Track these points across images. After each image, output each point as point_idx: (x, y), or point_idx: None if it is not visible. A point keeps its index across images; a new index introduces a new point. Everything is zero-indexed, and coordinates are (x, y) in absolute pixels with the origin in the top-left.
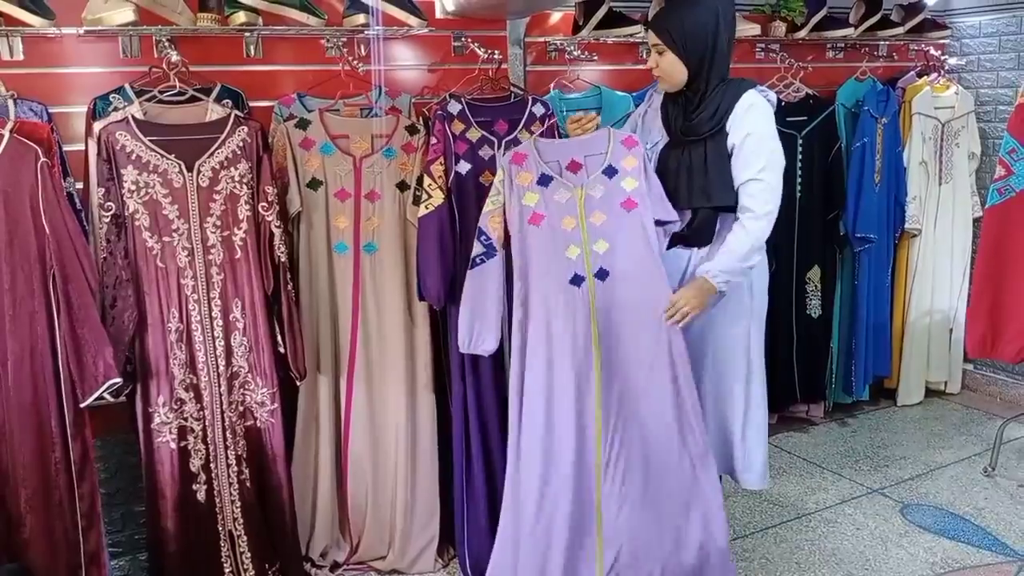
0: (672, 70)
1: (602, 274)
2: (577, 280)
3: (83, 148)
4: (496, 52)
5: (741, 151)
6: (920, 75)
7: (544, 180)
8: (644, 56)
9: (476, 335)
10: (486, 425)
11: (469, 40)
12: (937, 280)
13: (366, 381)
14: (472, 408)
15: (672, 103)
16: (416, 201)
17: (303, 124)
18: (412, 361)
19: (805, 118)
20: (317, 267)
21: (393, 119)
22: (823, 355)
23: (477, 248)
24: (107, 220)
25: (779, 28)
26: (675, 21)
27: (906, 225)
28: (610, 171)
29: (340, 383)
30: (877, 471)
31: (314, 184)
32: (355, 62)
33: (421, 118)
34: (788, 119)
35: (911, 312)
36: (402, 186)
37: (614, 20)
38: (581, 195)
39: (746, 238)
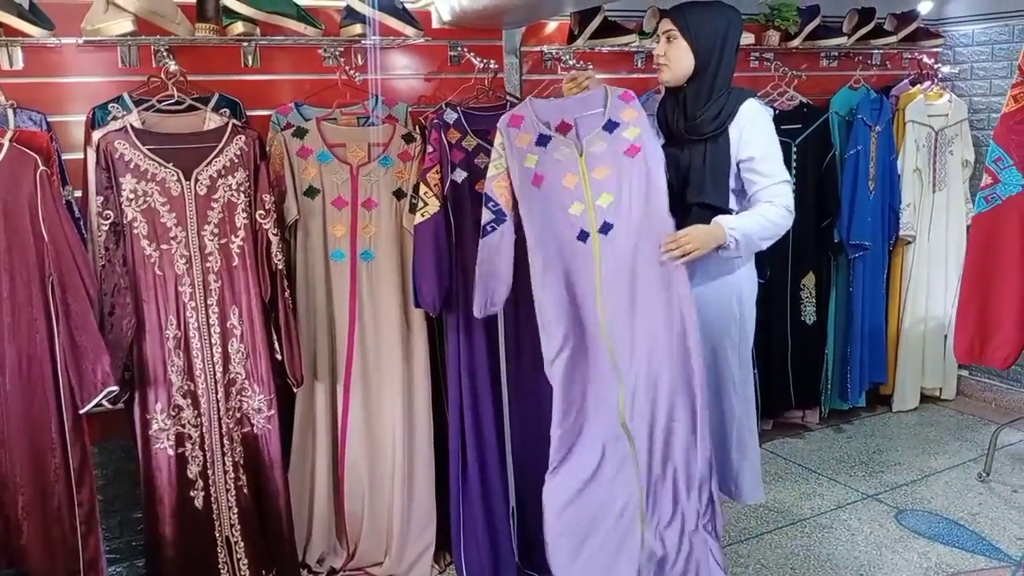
0: (680, 59)
1: (605, 228)
2: (583, 236)
3: (82, 157)
4: (492, 61)
5: (767, 155)
6: (914, 83)
7: (543, 140)
8: (639, 65)
9: (490, 294)
10: (482, 431)
11: (465, 50)
12: (932, 287)
13: (363, 388)
14: (468, 414)
15: (671, 103)
16: (412, 209)
17: (300, 133)
18: (409, 368)
19: (799, 126)
20: (314, 275)
21: (390, 128)
22: (818, 361)
23: (486, 215)
24: (106, 228)
25: (773, 37)
26: (692, 11)
27: (900, 232)
28: (610, 126)
29: (337, 390)
30: (872, 477)
31: (311, 192)
32: (352, 72)
33: (417, 127)
34: (782, 127)
35: (906, 319)
36: (399, 194)
37: (609, 30)
38: (582, 153)
39: (776, 218)
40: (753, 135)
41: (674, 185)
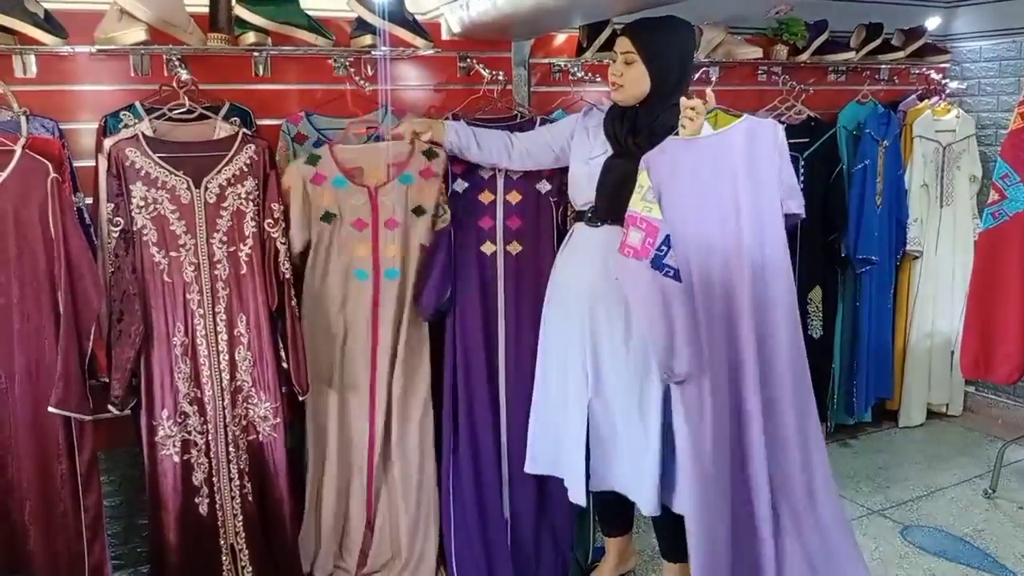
0: (637, 81)
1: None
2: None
3: (93, 164)
4: (501, 73)
5: None
6: (921, 98)
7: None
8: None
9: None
10: (476, 438)
11: (474, 61)
12: (938, 302)
13: (386, 403)
14: (464, 422)
15: (618, 118)
16: (433, 225)
17: (313, 160)
18: (422, 382)
19: (807, 140)
20: (335, 294)
21: (408, 146)
22: (824, 376)
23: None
24: (116, 235)
25: (781, 51)
26: (652, 36)
27: (907, 247)
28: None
29: (349, 403)
30: (878, 492)
31: (327, 217)
32: (362, 82)
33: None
34: (790, 141)
35: (912, 334)
36: (418, 211)
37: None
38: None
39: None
40: None
41: (623, 196)
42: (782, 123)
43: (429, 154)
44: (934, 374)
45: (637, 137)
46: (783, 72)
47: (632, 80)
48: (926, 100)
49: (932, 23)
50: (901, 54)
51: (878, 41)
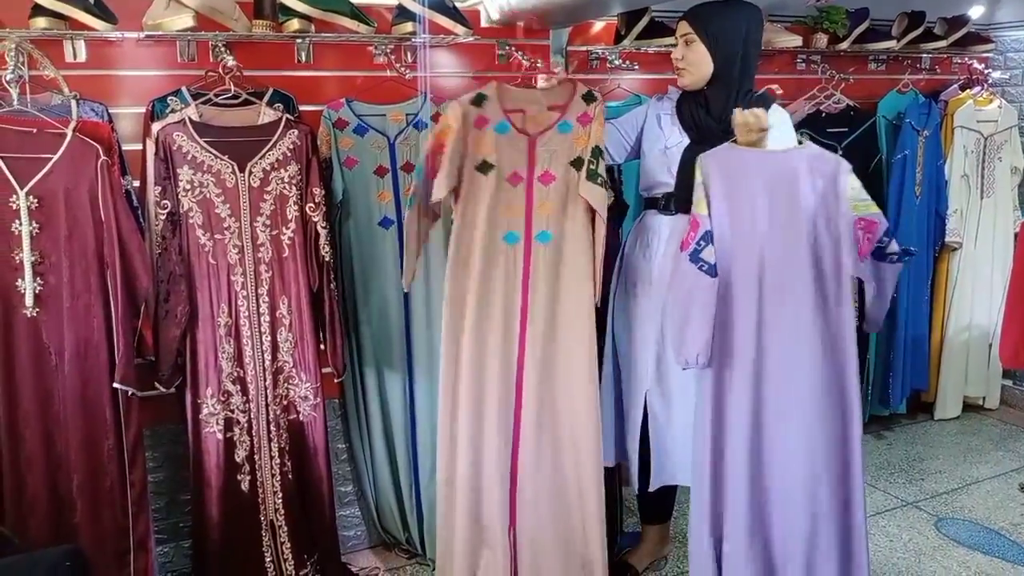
0: (699, 62)
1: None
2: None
3: (141, 148)
4: (539, 61)
5: None
6: (963, 88)
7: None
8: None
9: None
10: None
11: (513, 48)
12: (977, 295)
13: (538, 383)
14: None
15: (691, 104)
16: (591, 177)
17: (479, 100)
18: (587, 359)
19: (846, 129)
20: (479, 259)
21: (570, 86)
22: (860, 366)
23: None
24: (163, 217)
25: (821, 40)
26: (710, 12)
27: (947, 238)
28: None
29: (486, 382)
30: (912, 484)
31: (484, 168)
32: (402, 68)
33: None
34: (828, 130)
35: (950, 326)
36: (577, 163)
37: (655, 30)
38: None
39: None
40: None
41: None
42: (820, 112)
43: (588, 98)
44: (971, 367)
45: (715, 123)
46: (822, 60)
47: (694, 62)
48: (968, 90)
49: (976, 11)
50: (943, 43)
51: (920, 30)
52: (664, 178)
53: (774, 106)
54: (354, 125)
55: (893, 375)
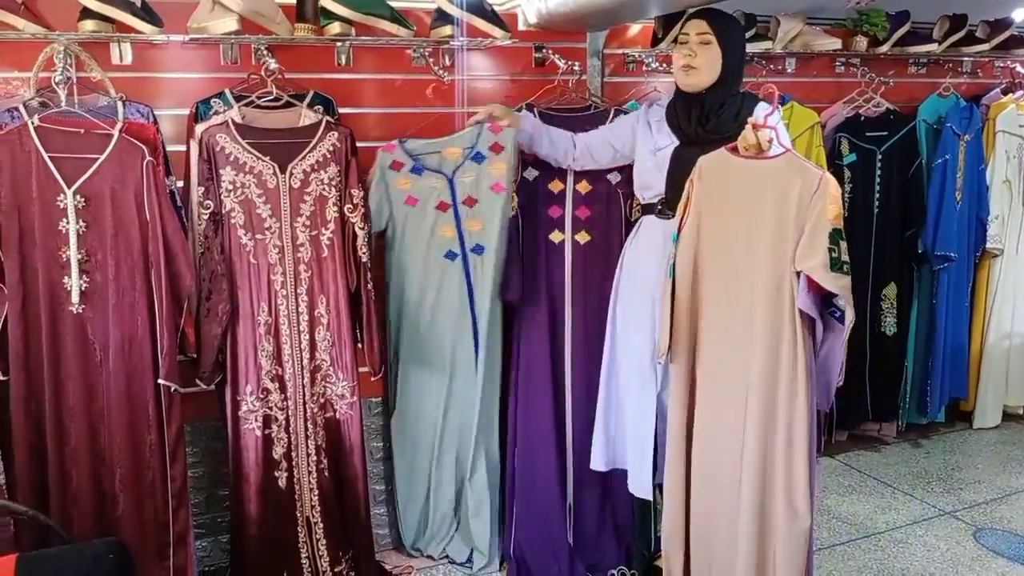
0: (711, 65)
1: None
2: None
3: (184, 148)
4: (575, 63)
5: None
6: (1005, 92)
7: None
8: None
9: None
10: (540, 428)
11: (550, 51)
12: (1019, 302)
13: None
14: (526, 412)
15: (683, 108)
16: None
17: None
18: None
19: (885, 133)
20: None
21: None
22: (897, 374)
23: None
24: (206, 217)
25: (861, 43)
26: (727, 22)
27: (987, 244)
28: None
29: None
30: (950, 493)
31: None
32: (441, 72)
33: None
34: (868, 134)
35: (990, 334)
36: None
37: None
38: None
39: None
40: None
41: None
42: (859, 116)
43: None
44: (1012, 375)
45: (707, 125)
46: (862, 64)
47: (707, 63)
48: (1010, 94)
49: (1020, 14)
50: (986, 46)
51: (962, 33)
52: (656, 180)
53: (762, 103)
54: (410, 166)
55: (931, 383)
